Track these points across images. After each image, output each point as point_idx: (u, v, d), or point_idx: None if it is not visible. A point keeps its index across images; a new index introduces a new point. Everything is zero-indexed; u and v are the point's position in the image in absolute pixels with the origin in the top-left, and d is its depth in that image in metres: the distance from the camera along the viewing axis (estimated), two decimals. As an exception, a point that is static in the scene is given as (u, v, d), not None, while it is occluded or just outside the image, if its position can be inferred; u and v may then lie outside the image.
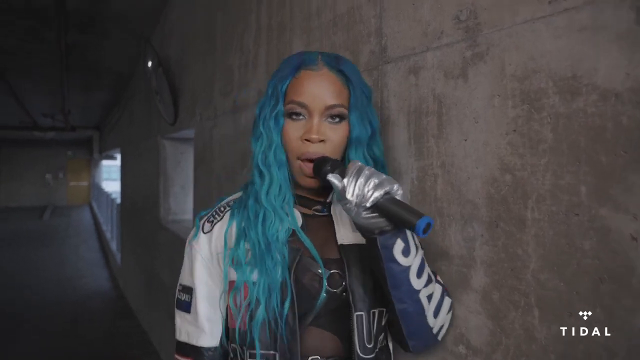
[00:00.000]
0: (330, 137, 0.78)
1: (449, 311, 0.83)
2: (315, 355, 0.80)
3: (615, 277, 0.63)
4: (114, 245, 7.17)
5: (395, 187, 0.68)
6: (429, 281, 0.77)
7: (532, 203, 0.73)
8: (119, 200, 6.68)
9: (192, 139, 3.24)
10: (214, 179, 2.17)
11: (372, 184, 0.67)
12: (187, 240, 0.90)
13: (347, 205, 0.69)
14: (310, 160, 0.78)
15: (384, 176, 0.69)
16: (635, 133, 0.61)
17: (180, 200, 3.46)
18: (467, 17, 0.85)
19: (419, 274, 0.75)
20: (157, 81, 2.90)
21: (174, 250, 2.98)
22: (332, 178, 0.70)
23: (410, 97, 0.99)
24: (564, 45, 0.68)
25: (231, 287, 0.82)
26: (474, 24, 0.84)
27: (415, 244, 0.74)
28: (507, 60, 0.77)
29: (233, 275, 0.82)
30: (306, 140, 0.78)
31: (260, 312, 0.77)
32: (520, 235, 0.75)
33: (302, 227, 0.83)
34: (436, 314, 0.79)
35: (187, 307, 0.87)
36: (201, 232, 0.87)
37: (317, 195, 0.86)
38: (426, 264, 0.78)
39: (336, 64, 0.80)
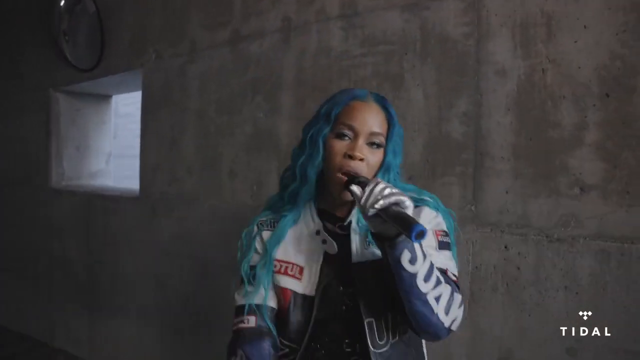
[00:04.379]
0: (368, 159, 0.94)
1: (460, 306, 0.92)
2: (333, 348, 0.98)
3: None
4: None
5: (407, 202, 0.81)
6: (437, 284, 0.87)
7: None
8: None
9: (93, 95, 2.92)
10: (193, 117, 2.06)
11: (383, 193, 0.81)
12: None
13: (361, 209, 0.84)
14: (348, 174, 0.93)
15: (397, 190, 0.82)
16: None
17: (76, 163, 2.98)
18: (579, -46, 1.20)
19: (426, 279, 0.86)
20: (70, 22, 2.49)
21: (79, 218, 2.62)
22: (354, 187, 0.86)
23: (515, 14, 1.29)
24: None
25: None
26: (585, -41, 1.19)
27: (423, 254, 0.86)
28: (618, -17, 1.15)
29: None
30: (349, 156, 0.92)
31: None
32: (629, 98, 1.13)
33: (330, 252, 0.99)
34: (447, 311, 0.89)
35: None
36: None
37: (342, 213, 1.01)
38: (435, 271, 0.88)
39: (382, 102, 0.99)
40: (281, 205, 1.05)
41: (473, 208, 1.35)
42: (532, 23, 1.26)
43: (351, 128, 0.94)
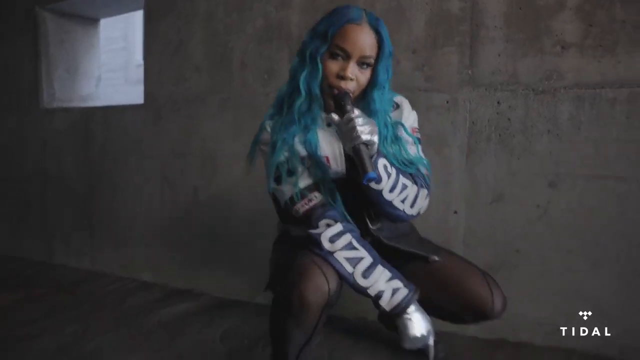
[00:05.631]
0: (359, 78, 1.07)
1: (425, 198, 1.12)
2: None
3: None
4: None
5: (375, 141, 0.97)
6: (402, 190, 1.06)
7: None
8: None
9: (81, 17, 2.95)
10: (200, 20, 2.15)
11: (353, 134, 0.96)
12: None
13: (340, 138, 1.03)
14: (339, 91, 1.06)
15: (369, 128, 0.97)
16: None
17: (67, 86, 2.99)
18: None
19: (392, 190, 1.05)
20: None
21: (77, 134, 2.68)
22: (333, 115, 1.01)
23: None
24: None
25: None
26: None
27: (387, 173, 1.02)
28: None
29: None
30: (341, 77, 1.05)
31: None
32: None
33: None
34: (413, 205, 1.09)
35: None
36: None
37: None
38: (400, 181, 1.05)
39: (376, 24, 1.06)
40: (291, 117, 1.11)
41: (470, 72, 1.56)
42: None
43: (344, 50, 1.04)
